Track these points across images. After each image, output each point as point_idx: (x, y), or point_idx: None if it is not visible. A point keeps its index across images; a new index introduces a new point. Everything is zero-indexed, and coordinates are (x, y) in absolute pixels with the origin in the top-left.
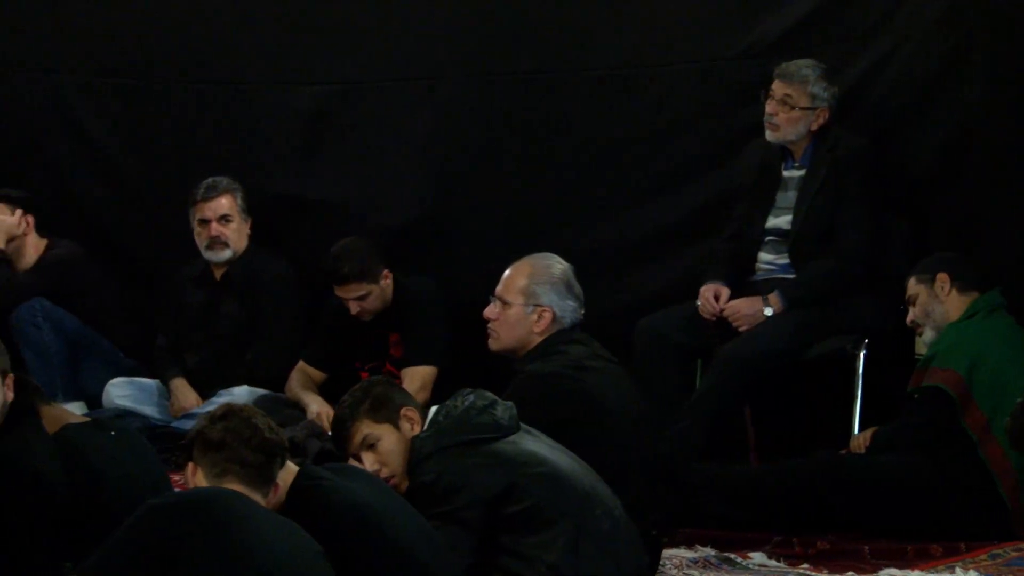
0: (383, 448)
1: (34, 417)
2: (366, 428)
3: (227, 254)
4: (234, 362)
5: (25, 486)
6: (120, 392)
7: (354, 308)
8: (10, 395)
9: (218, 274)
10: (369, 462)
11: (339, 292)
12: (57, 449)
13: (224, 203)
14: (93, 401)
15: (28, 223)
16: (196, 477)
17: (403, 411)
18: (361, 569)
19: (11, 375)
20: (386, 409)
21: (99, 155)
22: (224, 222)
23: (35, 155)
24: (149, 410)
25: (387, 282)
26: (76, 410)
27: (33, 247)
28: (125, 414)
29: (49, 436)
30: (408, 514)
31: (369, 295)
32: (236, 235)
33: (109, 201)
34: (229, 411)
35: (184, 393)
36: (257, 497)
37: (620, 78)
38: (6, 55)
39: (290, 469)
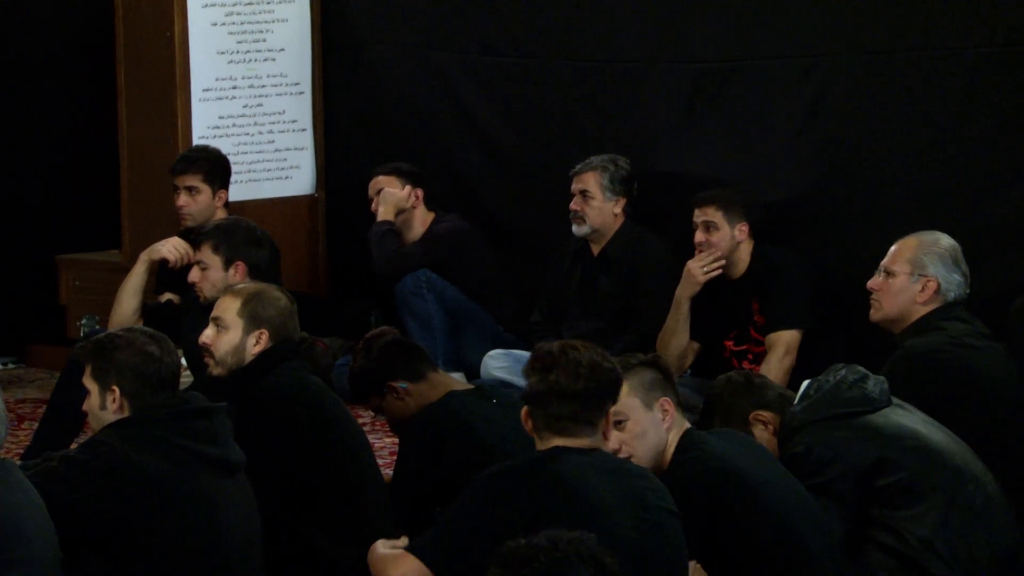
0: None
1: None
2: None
3: (584, 229)
4: (609, 338)
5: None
6: (497, 364)
7: (699, 236)
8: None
9: (595, 250)
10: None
11: (695, 216)
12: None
13: (587, 179)
14: (471, 372)
15: (417, 196)
16: (528, 423)
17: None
18: (737, 535)
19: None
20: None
21: (482, 132)
22: (584, 197)
23: (422, 132)
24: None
25: (741, 235)
26: (458, 379)
27: (420, 220)
28: (503, 385)
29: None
30: (787, 483)
31: (719, 230)
32: (594, 212)
33: (492, 177)
34: (541, 361)
35: None
36: (584, 441)
37: (1005, 56)
38: (393, 34)
39: (679, 426)
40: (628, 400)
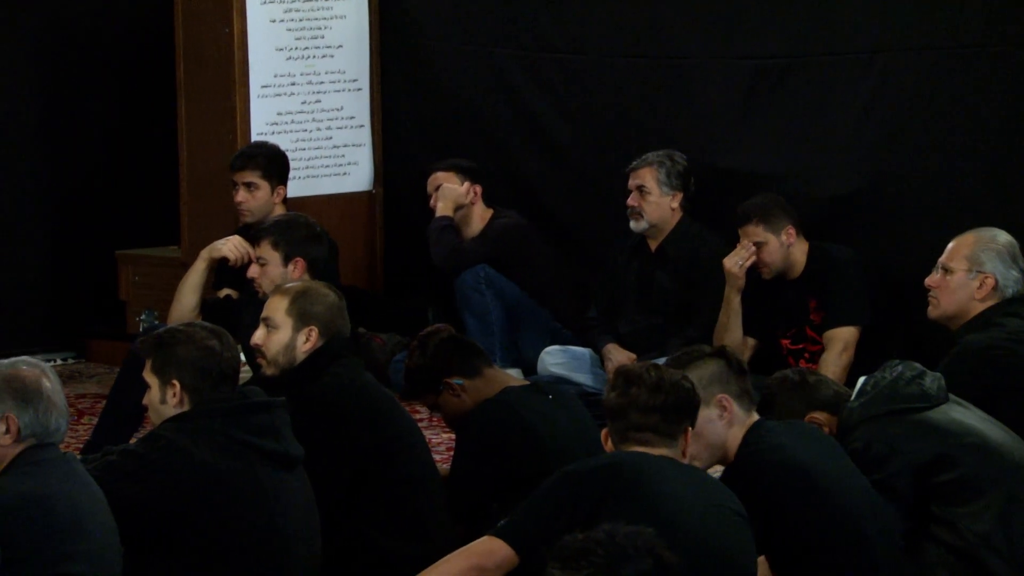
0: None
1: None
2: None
3: (642, 225)
4: (666, 334)
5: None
6: (554, 360)
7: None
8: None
9: (652, 246)
10: None
11: (740, 233)
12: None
13: (643, 174)
14: (528, 368)
15: (476, 193)
16: (608, 444)
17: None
18: (798, 529)
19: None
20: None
21: (539, 128)
22: (641, 193)
23: (479, 128)
24: (582, 378)
25: (789, 239)
26: (514, 375)
27: (479, 216)
28: (559, 381)
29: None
30: (852, 477)
31: (767, 244)
32: (651, 207)
33: (548, 174)
34: (623, 376)
35: (617, 355)
36: (662, 451)
37: None
38: (451, 30)
39: (747, 420)
40: None
